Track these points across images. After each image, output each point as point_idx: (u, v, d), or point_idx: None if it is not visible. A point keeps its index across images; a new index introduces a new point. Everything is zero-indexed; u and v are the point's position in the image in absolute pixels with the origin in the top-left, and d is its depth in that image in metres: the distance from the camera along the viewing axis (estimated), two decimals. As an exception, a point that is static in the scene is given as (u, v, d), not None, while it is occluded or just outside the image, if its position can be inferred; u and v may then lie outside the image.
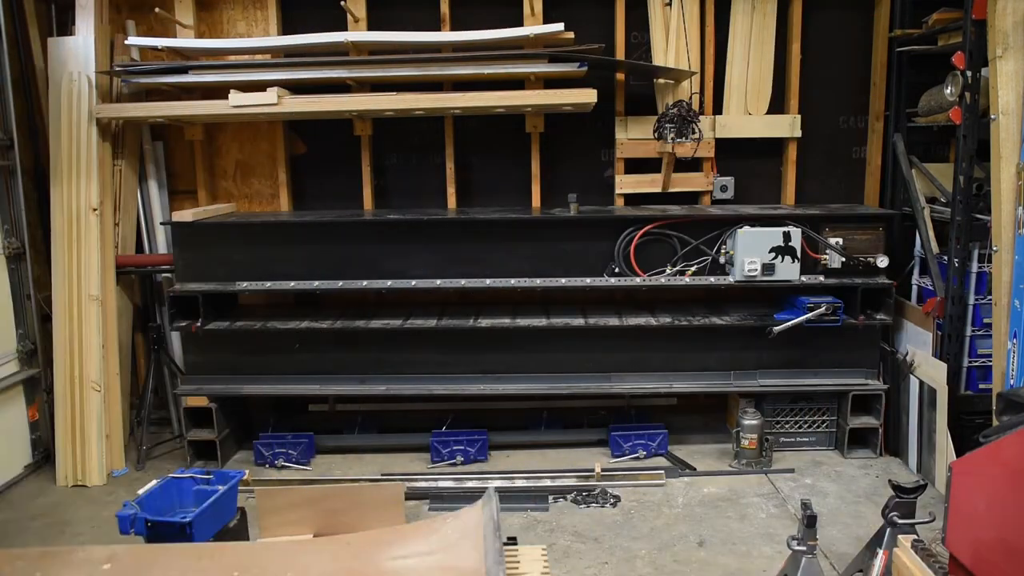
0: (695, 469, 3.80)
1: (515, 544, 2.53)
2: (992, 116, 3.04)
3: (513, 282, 3.83)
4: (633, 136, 4.21)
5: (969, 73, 3.30)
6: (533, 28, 3.81)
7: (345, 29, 4.03)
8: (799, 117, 4.21)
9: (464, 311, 4.07)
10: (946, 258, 3.55)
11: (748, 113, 4.21)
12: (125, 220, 4.13)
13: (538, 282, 3.83)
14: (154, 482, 2.87)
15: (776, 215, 3.86)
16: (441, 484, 3.67)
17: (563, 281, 3.83)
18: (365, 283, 3.84)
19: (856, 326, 3.81)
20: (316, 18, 4.12)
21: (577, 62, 3.77)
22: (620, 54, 4.14)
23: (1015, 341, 2.94)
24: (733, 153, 4.25)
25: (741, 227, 3.77)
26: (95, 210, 3.82)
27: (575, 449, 4.04)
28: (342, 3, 3.95)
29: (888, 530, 2.59)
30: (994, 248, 3.06)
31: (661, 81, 4.12)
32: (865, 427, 3.91)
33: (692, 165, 4.20)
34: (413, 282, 3.84)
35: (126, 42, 4.00)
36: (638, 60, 4.16)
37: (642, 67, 4.09)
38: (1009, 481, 2.05)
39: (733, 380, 3.93)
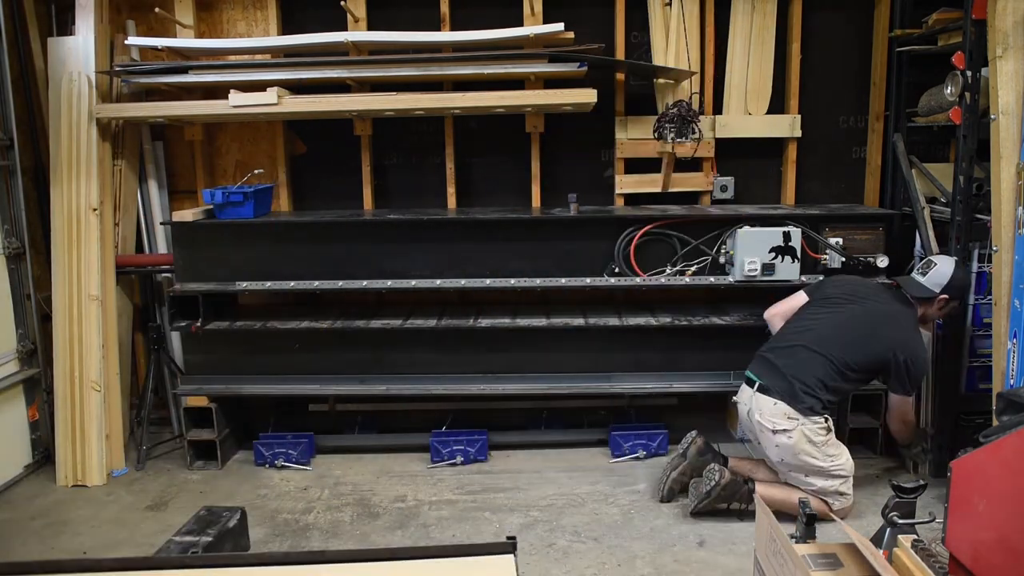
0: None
1: (514, 543, 2.53)
2: (992, 116, 3.03)
3: (513, 282, 3.83)
4: (633, 136, 4.21)
5: (969, 73, 3.30)
6: (533, 28, 3.81)
7: (345, 29, 4.02)
8: (799, 117, 4.21)
9: (464, 311, 4.07)
10: (946, 258, 3.55)
11: (748, 113, 4.21)
12: (125, 220, 4.13)
13: (538, 282, 3.83)
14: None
15: (776, 215, 3.86)
16: (441, 484, 3.67)
17: (563, 281, 3.83)
18: (365, 283, 3.84)
19: (856, 326, 3.81)
20: (316, 18, 4.12)
21: (577, 62, 3.77)
22: (620, 54, 4.14)
23: (1015, 341, 2.94)
24: (733, 153, 4.25)
25: (741, 227, 3.77)
26: (95, 210, 3.82)
27: (575, 449, 4.04)
28: (342, 3, 3.96)
29: (888, 530, 2.59)
30: (994, 248, 3.06)
31: (661, 81, 4.12)
32: (865, 427, 3.91)
33: (692, 165, 4.20)
34: (413, 282, 3.84)
35: (126, 42, 4.00)
36: (638, 60, 4.16)
37: (642, 67, 4.09)
38: (1009, 481, 2.05)
39: (733, 380, 3.92)
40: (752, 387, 3.24)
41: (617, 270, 3.85)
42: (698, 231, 3.86)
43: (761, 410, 3.17)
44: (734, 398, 3.41)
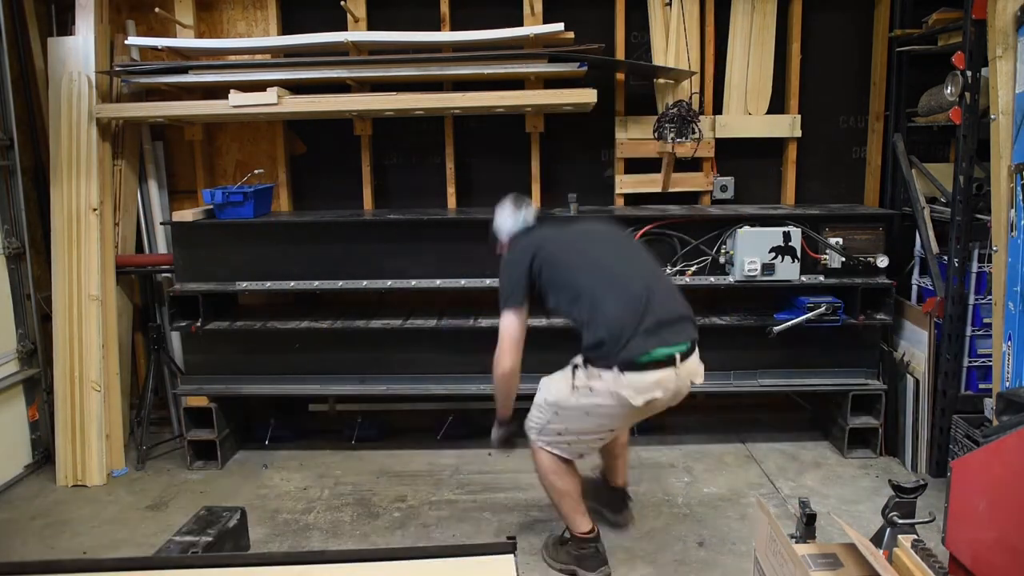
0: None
1: (514, 543, 2.53)
2: (992, 116, 3.04)
3: (513, 282, 3.82)
4: (633, 136, 4.21)
5: (969, 73, 3.30)
6: (533, 28, 3.81)
7: (345, 29, 4.03)
8: (799, 117, 4.21)
9: (464, 311, 4.06)
10: (946, 258, 3.55)
11: (748, 113, 4.21)
12: (125, 220, 4.13)
13: (538, 282, 3.82)
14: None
15: (776, 215, 3.86)
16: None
17: (563, 281, 3.82)
18: (365, 283, 3.85)
19: (856, 326, 3.81)
20: (316, 18, 4.12)
21: (577, 62, 3.77)
22: (620, 54, 4.14)
23: (1010, 343, 2.94)
24: (733, 153, 4.25)
25: (741, 227, 3.77)
26: (95, 210, 3.82)
27: (575, 449, 4.04)
28: (342, 3, 3.96)
29: (888, 530, 2.59)
30: (994, 248, 3.06)
31: (661, 81, 4.13)
32: (865, 427, 3.91)
33: (692, 165, 4.20)
34: (413, 282, 3.84)
35: (126, 42, 4.01)
36: (638, 60, 4.16)
37: (642, 67, 4.09)
38: (1009, 481, 2.05)
39: (733, 380, 3.93)
40: (673, 363, 2.66)
41: (617, 270, 3.84)
42: (698, 231, 3.86)
43: (697, 372, 2.79)
44: (646, 398, 2.67)
